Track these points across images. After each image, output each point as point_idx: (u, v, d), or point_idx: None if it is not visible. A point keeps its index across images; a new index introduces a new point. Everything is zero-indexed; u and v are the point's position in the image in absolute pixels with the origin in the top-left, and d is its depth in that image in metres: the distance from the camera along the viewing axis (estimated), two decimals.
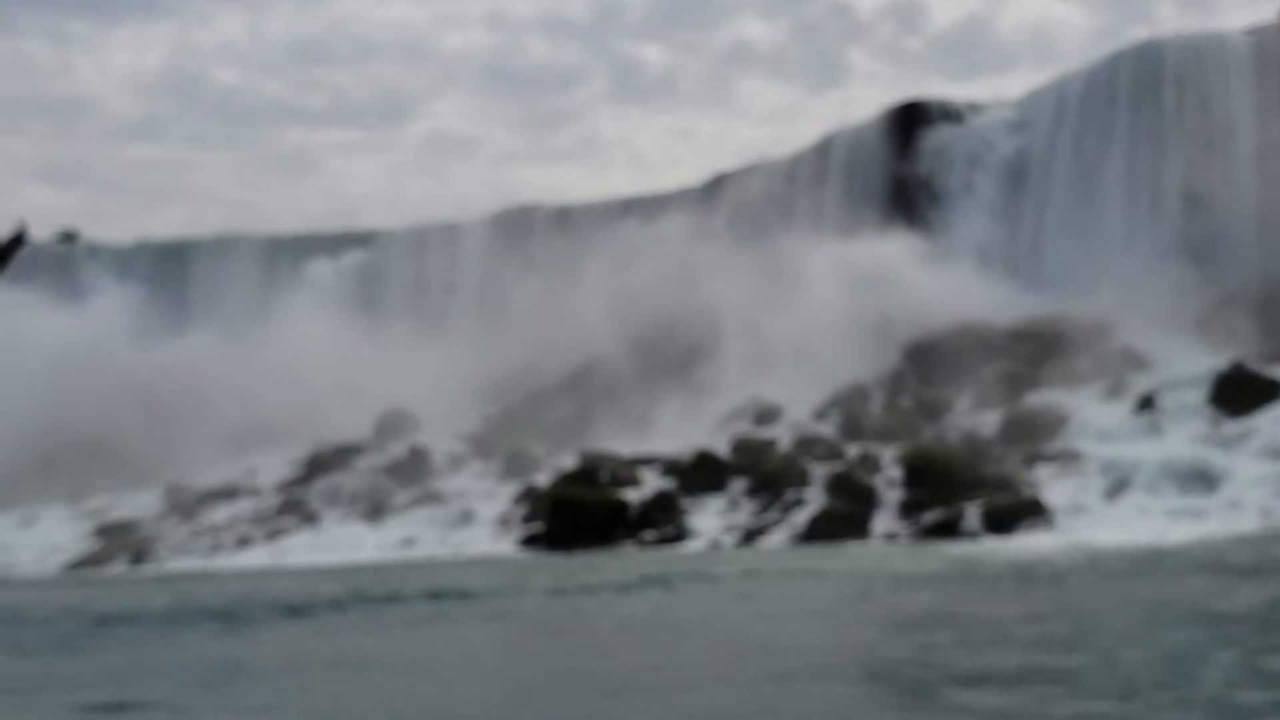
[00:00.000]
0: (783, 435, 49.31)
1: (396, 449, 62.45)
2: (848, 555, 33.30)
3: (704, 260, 68.77)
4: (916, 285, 58.71)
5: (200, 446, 66.67)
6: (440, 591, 27.14)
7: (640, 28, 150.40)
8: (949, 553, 32.06)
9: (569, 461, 53.73)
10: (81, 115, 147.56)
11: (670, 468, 47.22)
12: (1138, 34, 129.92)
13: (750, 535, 40.30)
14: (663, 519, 41.87)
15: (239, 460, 65.48)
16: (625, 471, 47.02)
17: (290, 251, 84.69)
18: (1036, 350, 52.78)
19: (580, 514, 41.99)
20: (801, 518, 40.23)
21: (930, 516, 38.35)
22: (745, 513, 42.34)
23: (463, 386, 69.58)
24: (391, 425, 66.50)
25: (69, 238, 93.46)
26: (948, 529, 37.28)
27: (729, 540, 40.23)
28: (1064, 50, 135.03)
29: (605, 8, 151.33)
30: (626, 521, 42.09)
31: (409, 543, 46.11)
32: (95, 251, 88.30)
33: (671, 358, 65.10)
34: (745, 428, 51.26)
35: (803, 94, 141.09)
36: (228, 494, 60.08)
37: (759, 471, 44.42)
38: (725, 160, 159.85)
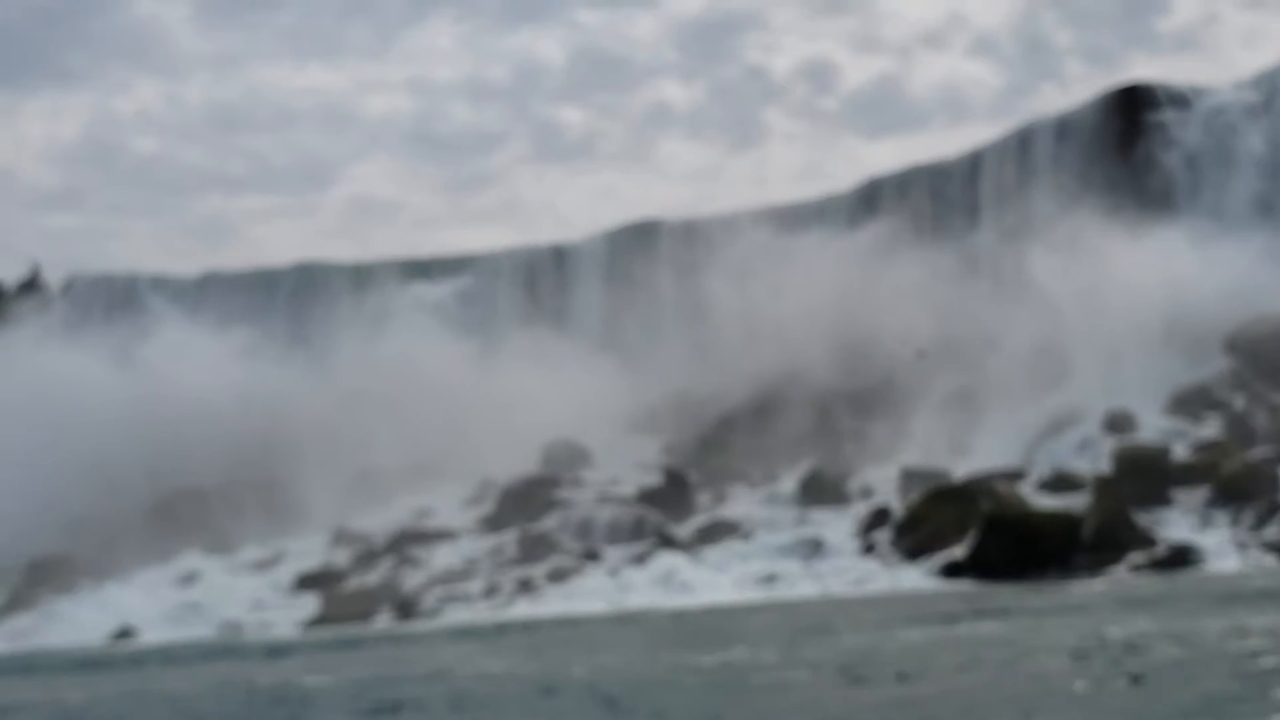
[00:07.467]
0: (1164, 441, 41.73)
1: (598, 479, 54.53)
2: None
3: (889, 268, 61.57)
4: (1203, 279, 52.15)
5: (337, 489, 58.04)
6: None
7: (560, 91, 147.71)
8: None
9: (881, 483, 46.11)
10: None
11: (1061, 483, 39.45)
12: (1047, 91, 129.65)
13: None
14: (1130, 538, 34.00)
15: (394, 500, 57.06)
16: (1004, 488, 39.18)
17: (379, 278, 76.41)
18: None
19: (1026, 535, 33.95)
20: None
21: None
22: (1228, 527, 34.66)
23: (619, 413, 62.07)
24: (559, 456, 58.83)
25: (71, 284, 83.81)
26: None
27: (1268, 562, 32.47)
28: (976, 108, 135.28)
29: (525, 72, 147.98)
30: (1081, 543, 34.15)
31: (771, 579, 37.76)
32: (160, 284, 78.68)
33: (883, 372, 57.96)
34: (1094, 434, 43.75)
35: (722, 153, 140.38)
36: (420, 538, 51.39)
37: (1216, 480, 36.72)
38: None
